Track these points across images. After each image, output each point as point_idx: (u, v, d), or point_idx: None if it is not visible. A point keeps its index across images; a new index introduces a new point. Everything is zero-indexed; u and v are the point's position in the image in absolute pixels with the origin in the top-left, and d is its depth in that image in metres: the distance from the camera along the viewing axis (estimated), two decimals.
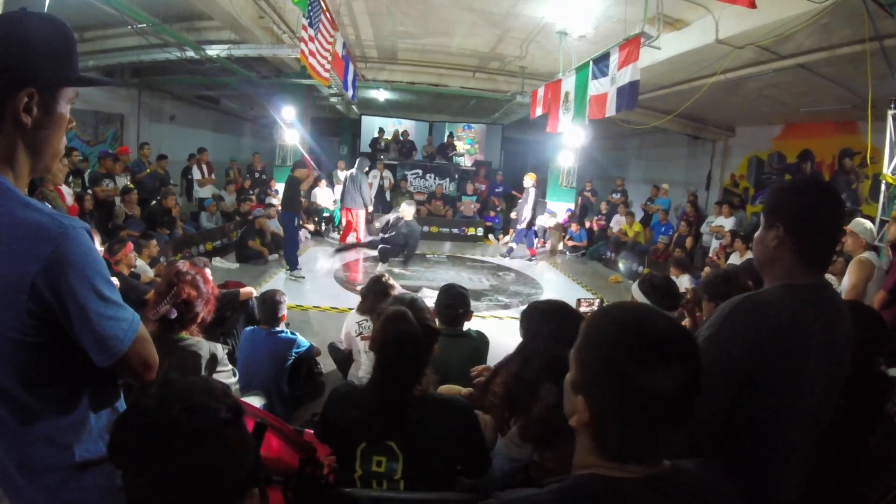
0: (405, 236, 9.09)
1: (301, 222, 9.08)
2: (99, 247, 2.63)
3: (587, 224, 12.57)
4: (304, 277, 8.12)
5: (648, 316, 0.97)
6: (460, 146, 17.48)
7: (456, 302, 3.22)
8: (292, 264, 8.10)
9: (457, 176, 16.10)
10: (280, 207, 8.94)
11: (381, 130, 16.58)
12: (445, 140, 17.00)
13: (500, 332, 5.43)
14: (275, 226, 9.87)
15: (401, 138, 16.48)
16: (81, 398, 1.21)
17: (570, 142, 10.88)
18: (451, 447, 1.73)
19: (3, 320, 1.06)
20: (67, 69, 1.16)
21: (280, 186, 11.93)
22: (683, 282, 5.98)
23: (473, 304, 3.70)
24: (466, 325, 3.38)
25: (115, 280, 3.05)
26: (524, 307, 2.27)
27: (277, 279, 7.96)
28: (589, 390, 0.96)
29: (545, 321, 2.09)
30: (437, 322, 3.17)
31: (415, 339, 1.70)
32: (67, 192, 6.94)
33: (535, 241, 12.28)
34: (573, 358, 1.02)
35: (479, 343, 3.27)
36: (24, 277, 1.03)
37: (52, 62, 1.13)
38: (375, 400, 1.69)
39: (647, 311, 1.00)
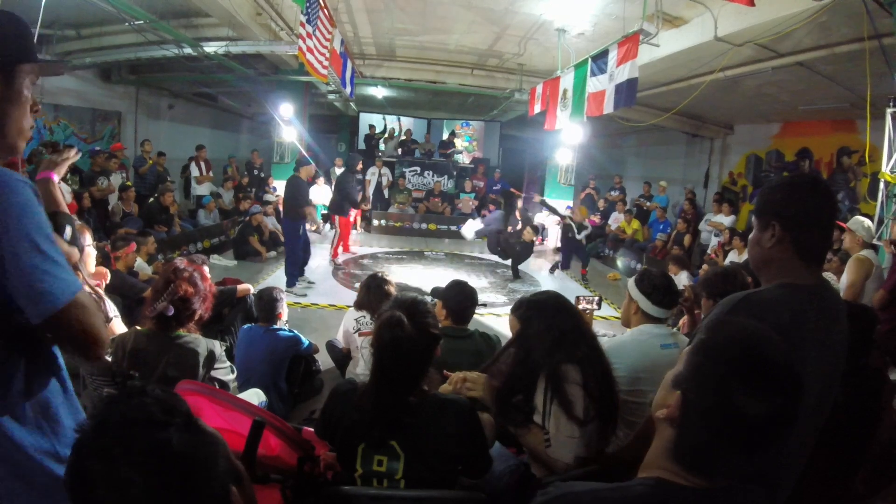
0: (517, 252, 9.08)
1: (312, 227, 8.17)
2: (90, 242, 2.62)
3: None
4: (312, 284, 7.49)
5: (773, 347, 0.98)
6: (459, 143, 17.47)
7: (466, 302, 3.17)
8: (291, 279, 7.24)
9: (455, 173, 16.09)
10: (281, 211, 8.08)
11: (372, 127, 16.54)
12: (446, 137, 16.97)
13: (499, 329, 5.44)
14: (272, 223, 9.84)
15: (402, 136, 16.46)
16: (17, 376, 1.20)
17: (568, 139, 10.87)
18: (453, 447, 1.72)
19: None
20: (21, 50, 1.25)
21: (278, 184, 11.89)
22: (682, 279, 5.99)
23: None
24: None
25: (109, 276, 3.04)
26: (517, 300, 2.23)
27: (275, 277, 7.94)
28: (689, 390, 0.98)
29: (539, 316, 2.07)
30: (446, 319, 3.16)
31: (410, 345, 1.67)
32: (66, 190, 6.91)
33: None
34: (686, 355, 1.04)
35: (482, 345, 3.20)
36: None
37: (5, 43, 1.21)
38: (372, 404, 1.68)
39: (773, 340, 1.00)
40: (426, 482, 1.68)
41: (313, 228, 8.85)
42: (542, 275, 9.87)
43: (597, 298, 4.34)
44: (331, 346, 4.17)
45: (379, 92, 13.58)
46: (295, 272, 7.31)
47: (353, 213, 10.30)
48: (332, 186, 11.24)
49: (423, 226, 13.28)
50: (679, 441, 0.98)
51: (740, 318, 1.11)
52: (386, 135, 16.66)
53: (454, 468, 1.78)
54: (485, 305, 7.06)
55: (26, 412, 1.20)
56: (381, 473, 1.67)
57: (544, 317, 2.05)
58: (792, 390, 0.93)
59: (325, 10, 6.64)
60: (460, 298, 3.15)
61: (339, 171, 13.12)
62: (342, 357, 3.99)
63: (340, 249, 9.65)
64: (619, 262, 10.69)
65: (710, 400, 0.94)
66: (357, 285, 4.38)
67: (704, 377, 0.97)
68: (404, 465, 1.65)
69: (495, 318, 6.73)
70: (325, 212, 12.39)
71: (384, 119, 16.93)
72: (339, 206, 9.01)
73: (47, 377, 1.28)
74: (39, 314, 1.13)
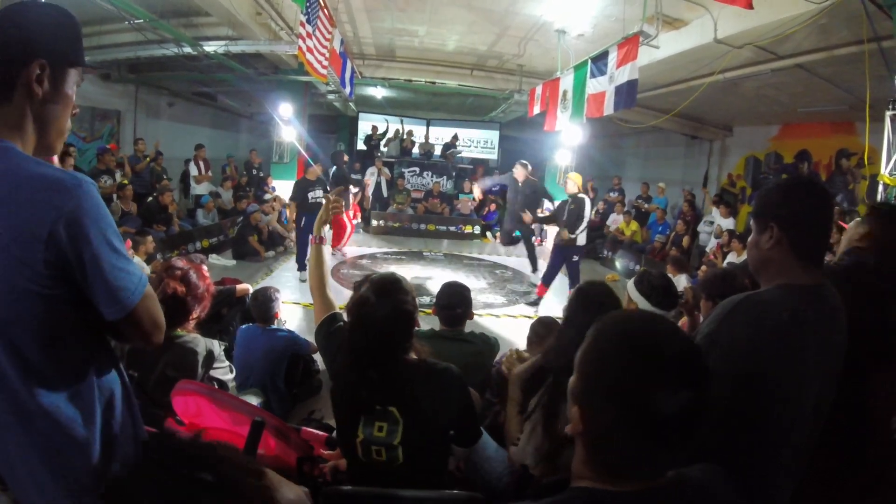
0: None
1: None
2: None
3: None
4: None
5: (661, 333, 0.92)
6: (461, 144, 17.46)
7: (455, 302, 3.15)
8: (301, 265, 7.98)
9: (454, 174, 16.08)
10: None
11: (375, 128, 16.53)
12: (450, 140, 16.91)
13: (497, 330, 5.44)
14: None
15: (403, 137, 16.45)
16: (90, 366, 1.23)
17: (567, 140, 10.89)
18: (446, 412, 1.76)
19: (20, 270, 1.08)
20: (75, 51, 1.24)
21: (277, 184, 11.93)
22: (681, 281, 5.98)
23: None
24: (470, 326, 3.33)
25: None
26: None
27: (274, 276, 7.93)
28: (587, 402, 0.93)
29: (583, 309, 2.03)
30: (439, 322, 3.15)
31: (380, 324, 1.71)
32: None
33: (533, 239, 12.39)
34: (576, 364, 0.98)
35: (483, 347, 3.17)
36: (41, 226, 1.06)
37: (61, 42, 1.21)
38: (357, 376, 1.73)
39: (660, 327, 0.95)
40: (422, 448, 1.72)
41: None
42: (541, 275, 9.85)
43: None
44: None
45: (378, 92, 13.59)
46: (301, 258, 7.92)
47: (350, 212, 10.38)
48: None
49: (422, 226, 13.28)
50: (594, 453, 0.93)
51: (617, 317, 1.03)
52: (387, 136, 16.61)
53: (447, 434, 1.82)
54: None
55: (96, 409, 1.23)
56: (381, 439, 1.69)
57: (585, 313, 2.00)
58: (695, 374, 0.87)
59: (325, 10, 6.65)
60: (449, 300, 3.13)
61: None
62: None
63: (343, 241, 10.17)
64: (618, 264, 10.70)
65: (611, 408, 0.88)
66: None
67: (597, 385, 0.91)
68: (403, 430, 1.69)
69: (494, 318, 6.72)
70: None
71: (386, 121, 16.90)
72: None
73: (110, 370, 1.30)
74: (119, 310, 1.16)
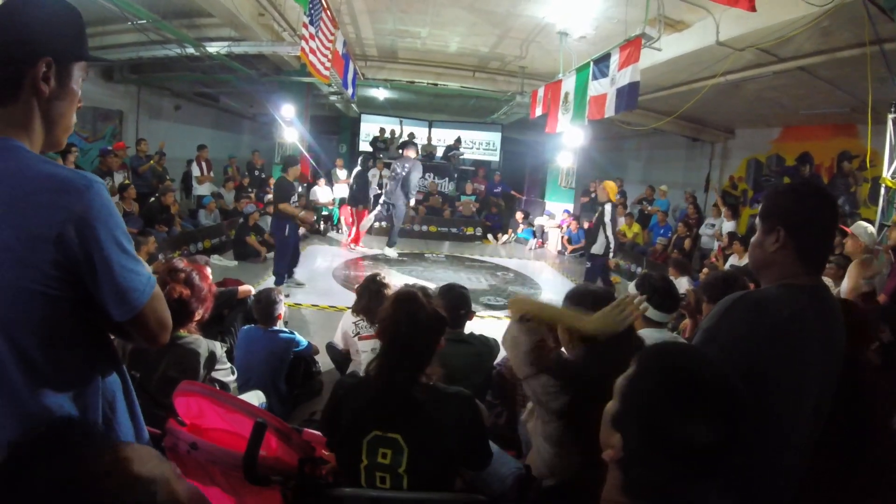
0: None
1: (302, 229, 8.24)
2: None
3: (587, 224, 12.60)
4: (301, 286, 7.55)
5: (698, 365, 0.97)
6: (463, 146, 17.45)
7: (457, 304, 3.16)
8: (278, 278, 7.27)
9: (456, 175, 16.07)
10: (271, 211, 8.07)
11: (383, 130, 16.53)
12: (453, 142, 16.91)
13: (499, 332, 5.41)
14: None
15: (405, 138, 16.42)
16: (93, 367, 1.23)
17: (569, 142, 10.89)
18: (457, 438, 1.73)
19: (27, 271, 1.07)
20: (79, 46, 1.23)
21: None
22: (682, 284, 5.98)
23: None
24: (469, 328, 3.34)
25: None
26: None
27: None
28: (627, 429, 0.97)
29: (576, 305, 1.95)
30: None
31: (426, 320, 1.72)
32: None
33: (534, 241, 12.45)
34: (618, 389, 1.02)
35: (482, 349, 3.18)
36: (50, 227, 1.06)
37: (66, 37, 1.20)
38: (384, 382, 1.71)
39: (698, 359, 1.00)
40: (428, 475, 1.70)
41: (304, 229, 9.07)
42: (543, 277, 9.87)
43: None
44: (331, 347, 4.16)
45: (380, 94, 13.61)
46: (281, 271, 7.35)
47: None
48: (333, 188, 11.60)
49: (424, 228, 13.28)
50: (631, 481, 0.97)
51: (661, 348, 1.08)
52: (390, 137, 16.62)
53: (456, 461, 1.79)
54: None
55: (98, 410, 1.23)
56: (385, 465, 1.68)
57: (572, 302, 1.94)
58: (729, 409, 0.92)
59: (328, 12, 6.66)
60: (450, 302, 3.11)
61: (339, 171, 13.21)
62: (342, 358, 3.98)
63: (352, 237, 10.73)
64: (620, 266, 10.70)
65: (650, 436, 0.93)
66: (356, 287, 4.34)
67: (639, 414, 0.96)
68: (408, 458, 1.66)
69: (495, 320, 6.71)
70: (326, 213, 12.48)
71: (400, 125, 16.99)
72: (356, 198, 10.40)
73: (113, 371, 1.30)
74: (128, 311, 1.16)
